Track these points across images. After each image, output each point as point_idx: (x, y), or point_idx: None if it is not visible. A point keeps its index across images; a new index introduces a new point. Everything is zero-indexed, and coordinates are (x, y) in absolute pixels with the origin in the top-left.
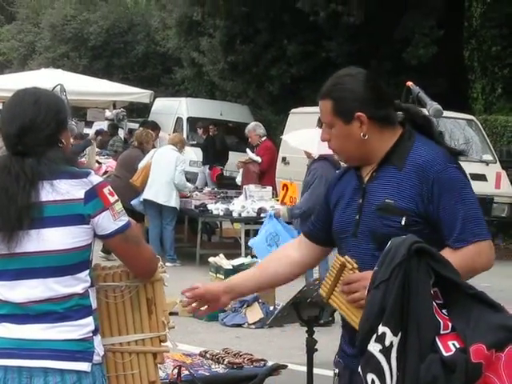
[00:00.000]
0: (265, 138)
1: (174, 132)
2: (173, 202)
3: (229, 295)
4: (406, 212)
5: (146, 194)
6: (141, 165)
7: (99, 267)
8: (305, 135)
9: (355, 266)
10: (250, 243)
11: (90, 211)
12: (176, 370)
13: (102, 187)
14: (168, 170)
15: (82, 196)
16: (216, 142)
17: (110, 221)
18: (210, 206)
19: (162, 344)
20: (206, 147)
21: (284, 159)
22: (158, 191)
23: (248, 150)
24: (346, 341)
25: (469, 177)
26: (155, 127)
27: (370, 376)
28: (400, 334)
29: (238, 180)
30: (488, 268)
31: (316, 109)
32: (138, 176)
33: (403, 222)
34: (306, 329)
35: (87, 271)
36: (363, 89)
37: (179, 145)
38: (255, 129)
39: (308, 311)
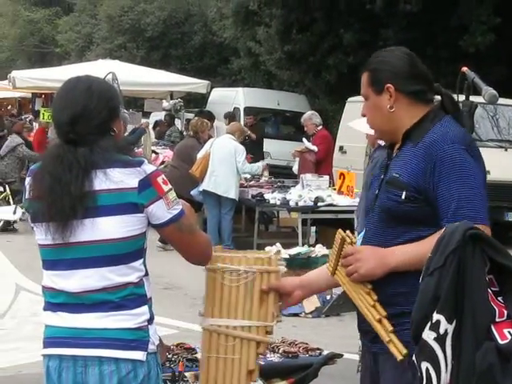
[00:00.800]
0: (321, 127)
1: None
2: (232, 193)
3: (301, 292)
4: (408, 187)
5: (206, 185)
6: (199, 155)
7: (219, 248)
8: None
9: (354, 240)
10: None
11: (144, 200)
12: None
13: (156, 176)
14: (227, 161)
15: (136, 185)
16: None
17: (163, 210)
18: (266, 196)
19: (268, 335)
20: None
21: (341, 148)
22: (217, 182)
23: (304, 139)
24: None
25: (483, 164)
26: (210, 117)
27: (425, 364)
28: (455, 322)
29: (295, 169)
30: None
31: None
32: (198, 166)
33: (403, 197)
34: None
35: (141, 260)
36: (398, 63)
37: (237, 134)
38: (311, 118)
39: None
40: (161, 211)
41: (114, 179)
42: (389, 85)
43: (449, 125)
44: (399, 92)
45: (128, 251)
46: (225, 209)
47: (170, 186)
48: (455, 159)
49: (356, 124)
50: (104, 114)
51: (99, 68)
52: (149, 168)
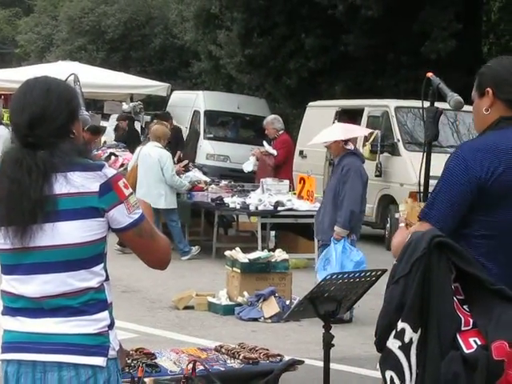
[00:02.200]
0: (282, 131)
1: (190, 125)
2: (162, 204)
3: None
4: None
5: (138, 195)
6: (129, 166)
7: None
8: (325, 130)
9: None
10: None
11: (104, 204)
12: (191, 365)
13: (117, 180)
14: (153, 171)
15: (97, 189)
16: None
17: (124, 214)
18: (226, 200)
19: None
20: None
21: (301, 153)
22: (146, 193)
23: (265, 142)
24: None
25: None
26: (168, 118)
27: (389, 373)
28: (420, 331)
29: (245, 167)
30: None
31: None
32: (127, 179)
33: None
34: (322, 323)
35: (102, 264)
36: (501, 70)
37: (162, 139)
38: (273, 122)
39: (325, 306)
40: (121, 216)
41: (74, 183)
42: (488, 88)
43: (495, 134)
44: (497, 97)
45: (88, 256)
46: (166, 218)
47: (130, 190)
48: (447, 161)
49: (316, 139)
50: (63, 117)
51: (59, 69)
52: (110, 172)
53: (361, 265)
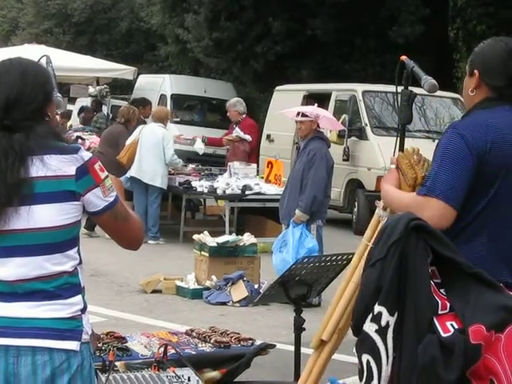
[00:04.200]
0: (245, 115)
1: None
2: (158, 181)
3: None
4: None
5: (133, 172)
6: (128, 141)
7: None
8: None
9: None
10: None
11: (81, 188)
12: (162, 349)
13: (93, 163)
14: (155, 149)
15: (74, 172)
16: None
17: (100, 197)
18: (194, 183)
19: None
20: None
21: (268, 137)
22: (144, 170)
23: (237, 128)
24: None
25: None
26: (146, 103)
27: (365, 357)
28: (396, 314)
29: (197, 147)
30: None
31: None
32: (125, 153)
33: None
34: (291, 308)
35: (76, 248)
36: (492, 55)
37: (165, 120)
38: (235, 105)
39: (296, 290)
40: (97, 199)
41: (51, 166)
42: (476, 70)
43: (481, 114)
44: (482, 80)
45: (64, 239)
46: (151, 196)
47: (106, 173)
48: (442, 139)
49: (287, 112)
50: (39, 99)
51: (26, 53)
52: (86, 155)
53: (312, 252)
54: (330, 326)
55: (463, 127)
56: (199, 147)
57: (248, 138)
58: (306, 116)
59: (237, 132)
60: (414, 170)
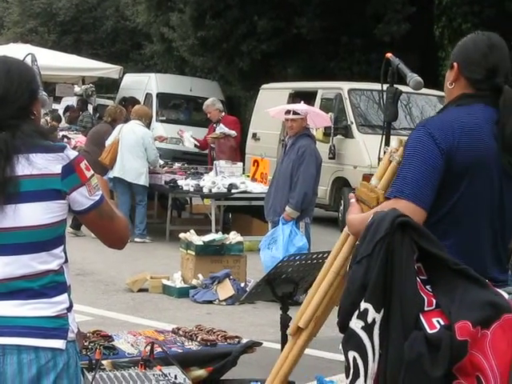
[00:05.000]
0: (223, 113)
1: None
2: (142, 180)
3: None
4: None
5: (116, 172)
6: (108, 141)
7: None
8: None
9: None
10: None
11: (67, 187)
12: (149, 347)
13: (79, 162)
14: (136, 147)
15: (59, 171)
16: None
17: (85, 196)
18: (180, 182)
19: None
20: None
21: (254, 135)
22: (127, 169)
23: (222, 124)
24: None
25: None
26: (135, 102)
27: (352, 354)
28: (383, 311)
29: (189, 145)
30: None
31: (286, 84)
32: (107, 153)
33: None
34: (277, 306)
35: (62, 247)
36: (473, 47)
37: (144, 119)
38: (214, 104)
39: (282, 288)
40: (83, 198)
41: (36, 165)
42: (455, 63)
43: (454, 111)
44: (461, 73)
45: (50, 238)
46: (138, 196)
47: (92, 172)
48: (409, 137)
49: (275, 113)
50: (25, 97)
51: (11, 52)
52: (72, 153)
53: (302, 250)
54: (308, 314)
55: (432, 125)
56: (189, 140)
57: (233, 133)
58: (298, 114)
59: (221, 128)
60: (374, 192)
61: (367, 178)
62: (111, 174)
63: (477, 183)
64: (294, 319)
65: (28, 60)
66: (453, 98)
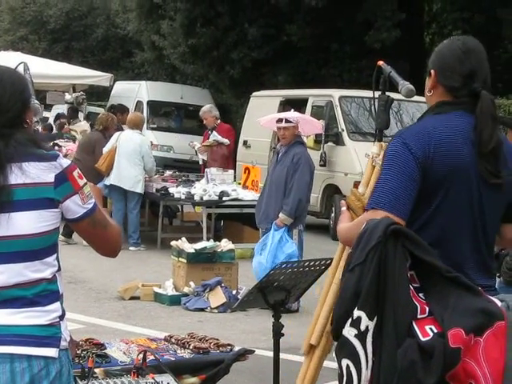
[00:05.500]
0: (219, 120)
1: None
2: (139, 187)
3: None
4: None
5: (112, 179)
6: (105, 149)
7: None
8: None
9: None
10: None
11: (60, 195)
12: (141, 355)
13: (72, 170)
14: (133, 155)
15: (52, 180)
16: None
17: (78, 205)
18: (171, 190)
19: None
20: None
21: (245, 142)
22: (124, 177)
23: (215, 132)
24: None
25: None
26: (124, 110)
27: (345, 361)
28: (376, 319)
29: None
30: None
31: (277, 92)
32: (104, 160)
33: None
34: (269, 313)
35: (55, 255)
36: (448, 53)
37: (141, 126)
38: (211, 110)
39: (274, 295)
40: (76, 206)
41: (29, 174)
42: (432, 70)
43: (430, 121)
44: (438, 81)
45: (43, 247)
46: (131, 203)
47: (84, 180)
48: (387, 149)
49: (267, 122)
50: (18, 106)
51: (2, 60)
52: (64, 162)
53: (292, 258)
54: (318, 330)
55: (408, 135)
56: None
57: (226, 141)
58: (290, 122)
59: (214, 136)
60: (360, 201)
61: (357, 185)
62: (107, 181)
63: (455, 191)
64: (305, 337)
65: (20, 69)
66: (431, 106)
